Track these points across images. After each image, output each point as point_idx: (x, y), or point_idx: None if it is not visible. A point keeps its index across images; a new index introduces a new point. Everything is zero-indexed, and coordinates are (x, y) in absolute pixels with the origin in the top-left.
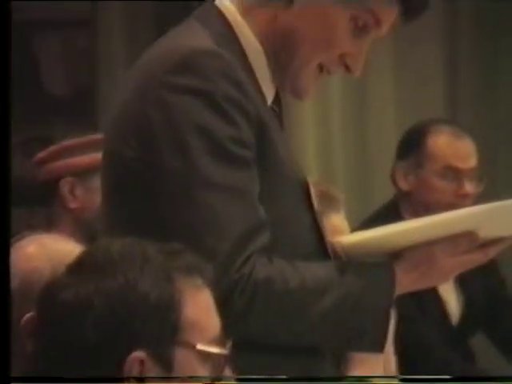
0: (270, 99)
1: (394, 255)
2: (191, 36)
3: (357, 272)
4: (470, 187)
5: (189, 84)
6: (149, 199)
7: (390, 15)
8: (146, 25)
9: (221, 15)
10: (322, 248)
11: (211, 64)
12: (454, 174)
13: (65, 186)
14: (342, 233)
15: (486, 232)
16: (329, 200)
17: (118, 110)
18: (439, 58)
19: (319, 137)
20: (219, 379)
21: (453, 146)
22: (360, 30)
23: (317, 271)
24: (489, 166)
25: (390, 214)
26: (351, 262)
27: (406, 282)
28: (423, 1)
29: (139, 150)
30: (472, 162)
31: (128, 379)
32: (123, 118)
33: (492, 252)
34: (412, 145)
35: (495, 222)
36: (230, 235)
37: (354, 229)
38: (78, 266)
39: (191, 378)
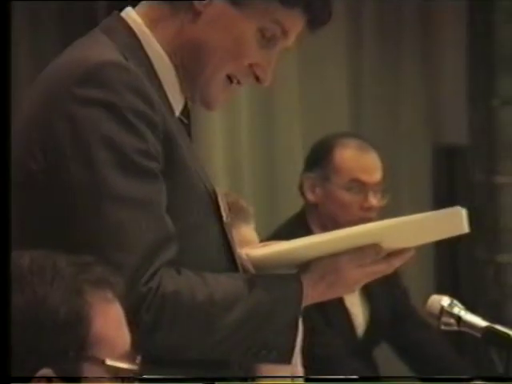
0: (178, 110)
1: (302, 267)
2: (97, 48)
3: (265, 285)
4: (374, 200)
5: (95, 96)
6: (57, 212)
7: (296, 26)
8: (52, 37)
9: (127, 27)
10: (230, 259)
11: (117, 76)
12: (359, 187)
13: None
14: (252, 244)
15: (391, 244)
16: (238, 211)
17: (24, 122)
18: (343, 73)
19: (227, 148)
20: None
21: (359, 160)
22: (268, 40)
23: (225, 284)
24: (392, 179)
25: (298, 225)
26: (259, 275)
27: (313, 293)
28: (327, 11)
29: (45, 162)
30: (377, 175)
31: (124, 379)
32: (29, 130)
33: (396, 262)
34: (319, 157)
35: (398, 235)
36: (137, 248)
37: (263, 240)
38: None
39: (187, 379)
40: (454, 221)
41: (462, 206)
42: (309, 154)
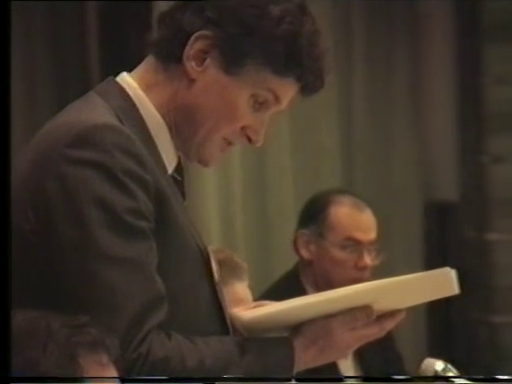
0: (171, 168)
1: (294, 330)
2: (90, 110)
3: (256, 349)
4: (369, 259)
5: (86, 157)
6: (48, 272)
7: (288, 93)
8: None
9: (122, 90)
10: (221, 320)
11: (108, 137)
12: (354, 245)
13: None
14: (245, 301)
15: (382, 306)
16: (232, 268)
17: (16, 182)
18: (335, 130)
19: (221, 203)
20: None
21: (354, 218)
22: (260, 104)
23: (216, 349)
24: (383, 236)
25: (291, 282)
26: (250, 338)
27: (305, 358)
28: (320, 80)
29: (36, 222)
30: (372, 234)
31: (125, 380)
32: (21, 191)
33: (388, 325)
34: (314, 214)
35: (389, 296)
36: (127, 311)
37: (257, 297)
38: None
39: (188, 378)
40: (444, 282)
41: (454, 263)
42: (303, 211)
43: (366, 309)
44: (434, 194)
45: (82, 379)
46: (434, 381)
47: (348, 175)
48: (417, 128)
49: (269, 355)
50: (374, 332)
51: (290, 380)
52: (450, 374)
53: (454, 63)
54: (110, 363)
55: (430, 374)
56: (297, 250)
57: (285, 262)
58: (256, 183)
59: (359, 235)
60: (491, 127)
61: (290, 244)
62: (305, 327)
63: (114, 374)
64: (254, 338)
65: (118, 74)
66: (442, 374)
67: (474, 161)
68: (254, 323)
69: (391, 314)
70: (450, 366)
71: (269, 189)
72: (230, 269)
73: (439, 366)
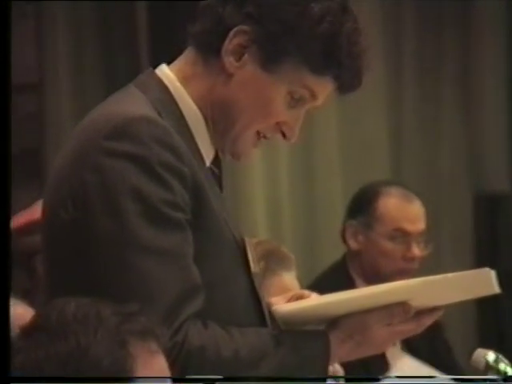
0: (208, 161)
1: (330, 324)
2: (129, 102)
3: (292, 342)
4: (417, 250)
5: (124, 149)
6: (84, 262)
7: (325, 90)
8: (94, 89)
9: (160, 83)
10: (258, 311)
11: (145, 130)
12: (402, 236)
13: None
14: (293, 292)
15: (420, 303)
16: (280, 259)
17: (56, 173)
18: (383, 121)
19: (268, 195)
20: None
21: (403, 209)
22: (296, 101)
23: (251, 340)
24: (433, 228)
25: (339, 273)
26: (286, 331)
27: (340, 352)
28: (357, 79)
29: (74, 212)
30: (421, 225)
31: (127, 379)
32: (60, 182)
33: (425, 322)
34: (363, 205)
35: (427, 294)
36: (163, 301)
37: (305, 287)
38: (31, 329)
39: (190, 378)
40: (483, 282)
41: (504, 255)
42: (352, 202)
43: (403, 305)
44: (484, 185)
45: (83, 379)
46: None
47: (396, 166)
48: (467, 118)
49: (304, 349)
50: (411, 328)
51: (290, 380)
52: (502, 365)
53: (506, 50)
54: (159, 351)
55: (482, 364)
56: (345, 240)
57: (332, 253)
58: (303, 174)
59: (408, 226)
60: None
61: (337, 235)
62: (341, 321)
63: (163, 361)
64: (291, 331)
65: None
66: (494, 365)
67: None
68: (292, 316)
69: (429, 310)
70: (501, 356)
71: (316, 180)
72: (278, 260)
73: (491, 356)
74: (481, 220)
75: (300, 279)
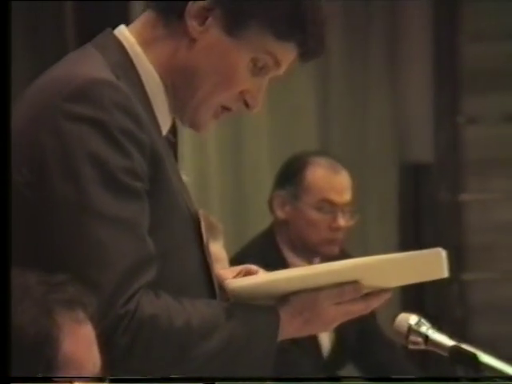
0: (165, 130)
1: (280, 300)
2: (89, 64)
3: (242, 315)
4: (343, 221)
5: (84, 113)
6: (38, 227)
7: (289, 57)
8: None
9: (120, 45)
10: (209, 284)
11: (107, 94)
12: (329, 206)
13: None
14: (221, 261)
15: (370, 283)
16: (208, 228)
17: (12, 135)
18: (311, 89)
19: (195, 163)
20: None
21: (330, 180)
22: (259, 69)
23: (203, 311)
24: (359, 197)
25: (266, 242)
26: (237, 304)
27: (289, 328)
28: (321, 44)
29: (31, 176)
30: (347, 196)
31: (127, 380)
32: (15, 144)
33: (374, 303)
34: (291, 175)
35: (379, 274)
36: (116, 269)
37: (232, 257)
38: None
39: (190, 378)
40: (434, 263)
41: (427, 223)
42: (280, 171)
43: (354, 284)
44: (409, 155)
45: (83, 379)
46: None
47: (324, 137)
48: (392, 89)
49: (254, 321)
50: (360, 308)
51: (290, 380)
52: (424, 328)
53: (431, 22)
54: (86, 320)
55: (404, 328)
56: (272, 210)
57: (260, 222)
58: (231, 143)
59: (334, 197)
60: (466, 88)
61: (265, 204)
62: (292, 298)
63: (90, 330)
64: (241, 304)
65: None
66: (416, 328)
67: (449, 121)
68: (242, 292)
69: (378, 292)
70: (423, 320)
71: (244, 148)
72: (206, 229)
73: (413, 320)
74: (405, 189)
75: (228, 248)
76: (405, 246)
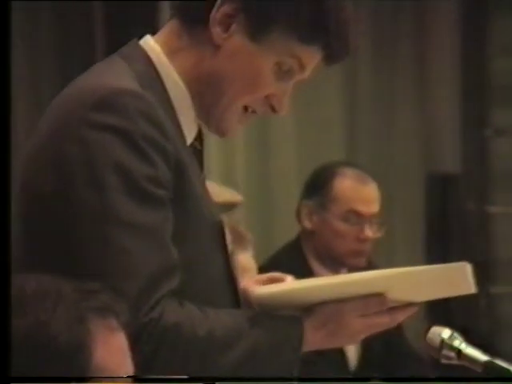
0: (191, 138)
1: (305, 310)
2: (113, 74)
3: (266, 325)
4: (370, 232)
5: (108, 122)
6: (65, 235)
7: (313, 60)
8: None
9: (145, 55)
10: (233, 293)
11: (131, 103)
12: (356, 218)
13: None
14: (250, 272)
15: (396, 296)
16: (237, 238)
17: (38, 144)
18: (340, 100)
19: (224, 173)
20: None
21: (358, 191)
22: (284, 73)
23: (226, 320)
24: (386, 207)
25: (293, 252)
26: (261, 313)
27: (313, 339)
28: (345, 48)
29: (56, 184)
30: (375, 207)
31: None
32: (40, 154)
33: (399, 317)
34: (318, 185)
35: (405, 287)
36: (141, 277)
37: (260, 266)
38: None
39: (190, 378)
40: (460, 277)
41: (454, 235)
42: (308, 181)
43: (379, 297)
44: (436, 166)
45: (84, 379)
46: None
47: (351, 148)
48: (420, 101)
49: (278, 332)
50: (385, 322)
51: (291, 380)
52: (457, 342)
53: (459, 35)
54: (119, 328)
55: (437, 342)
56: (300, 220)
57: (287, 232)
58: (259, 152)
59: (361, 208)
60: (494, 100)
61: (292, 214)
62: (317, 308)
63: (123, 338)
64: (265, 313)
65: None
66: (449, 342)
67: (477, 134)
68: (266, 299)
69: (404, 306)
70: (456, 334)
71: (272, 158)
72: (235, 239)
73: (446, 333)
74: (432, 200)
75: (256, 258)
76: (432, 258)
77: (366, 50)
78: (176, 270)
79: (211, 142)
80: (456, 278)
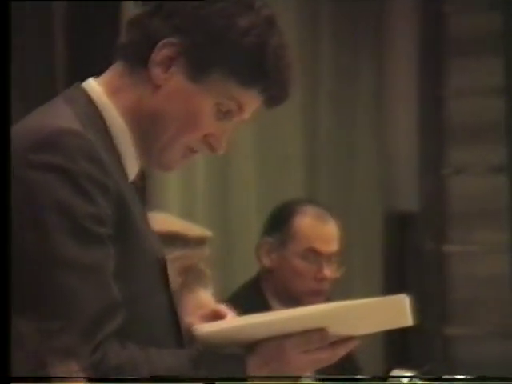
0: (132, 174)
1: (248, 348)
2: (55, 115)
3: (209, 365)
4: (328, 271)
5: (49, 161)
6: (14, 275)
7: (252, 103)
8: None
9: (87, 96)
10: (177, 331)
11: (72, 143)
12: (315, 256)
13: None
14: (209, 309)
15: (337, 329)
16: (196, 275)
17: None
18: (299, 138)
19: (183, 210)
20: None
21: (317, 229)
22: (224, 114)
23: (169, 361)
24: (345, 248)
25: (252, 290)
26: (204, 353)
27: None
28: (284, 91)
29: None
30: (334, 246)
31: (126, 380)
32: None
33: (341, 351)
34: (278, 222)
35: (346, 321)
36: (83, 318)
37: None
38: None
39: (189, 378)
40: (399, 309)
41: (412, 274)
42: (268, 219)
43: (320, 332)
44: (394, 205)
45: (84, 379)
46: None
47: (310, 186)
48: (378, 140)
49: (221, 372)
50: (327, 357)
51: (292, 379)
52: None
53: (416, 75)
54: (79, 372)
55: None
56: (259, 257)
57: (248, 270)
58: (219, 188)
59: (320, 246)
60: (452, 139)
61: (252, 251)
62: (259, 346)
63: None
64: (208, 353)
65: (84, 78)
66: None
67: (435, 173)
68: (210, 337)
69: (345, 340)
70: (416, 374)
71: (232, 195)
72: (195, 276)
73: (407, 376)
74: (390, 239)
75: (216, 296)
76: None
77: (324, 89)
78: (118, 309)
79: (170, 178)
80: (394, 310)
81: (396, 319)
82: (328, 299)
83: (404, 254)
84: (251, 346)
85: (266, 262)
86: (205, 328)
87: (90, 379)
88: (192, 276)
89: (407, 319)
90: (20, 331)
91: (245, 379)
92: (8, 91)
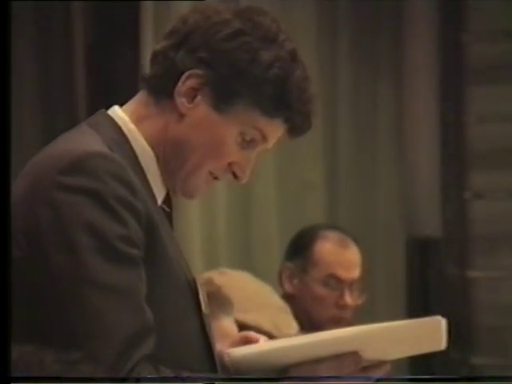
0: (160, 199)
1: (281, 372)
2: (83, 140)
3: None
4: (349, 298)
5: (79, 184)
6: (39, 299)
7: (276, 133)
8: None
9: (113, 123)
10: (209, 355)
11: (102, 165)
12: (336, 283)
13: None
14: (231, 337)
15: (370, 353)
16: (219, 301)
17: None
18: (320, 163)
19: (205, 237)
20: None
21: (338, 255)
22: (247, 143)
23: None
24: (367, 273)
25: None
26: (236, 378)
27: None
28: (307, 122)
29: (28, 249)
30: (355, 272)
31: (127, 380)
32: (14, 218)
33: (374, 375)
34: (300, 248)
35: (379, 344)
36: (117, 340)
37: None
38: None
39: (188, 377)
40: (433, 332)
41: (435, 300)
42: (290, 244)
43: (353, 355)
44: (416, 230)
45: (84, 379)
46: None
47: (332, 211)
48: (400, 165)
49: None
50: (360, 382)
51: (305, 380)
52: None
53: (437, 102)
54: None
55: None
56: (281, 283)
57: None
58: (240, 214)
59: (341, 273)
60: (473, 164)
61: (273, 276)
62: (292, 370)
63: None
64: (241, 378)
65: (106, 106)
66: None
67: (457, 197)
68: (241, 362)
69: (377, 364)
70: None
71: (253, 223)
72: (217, 302)
73: None
74: (413, 264)
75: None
76: None
77: (345, 115)
78: (151, 332)
79: (192, 207)
80: (429, 333)
81: (430, 342)
82: (350, 326)
83: (427, 279)
84: (284, 371)
85: (288, 287)
86: (236, 352)
87: (93, 379)
88: (215, 302)
89: (441, 343)
90: (44, 363)
91: (245, 379)
92: (8, 90)
